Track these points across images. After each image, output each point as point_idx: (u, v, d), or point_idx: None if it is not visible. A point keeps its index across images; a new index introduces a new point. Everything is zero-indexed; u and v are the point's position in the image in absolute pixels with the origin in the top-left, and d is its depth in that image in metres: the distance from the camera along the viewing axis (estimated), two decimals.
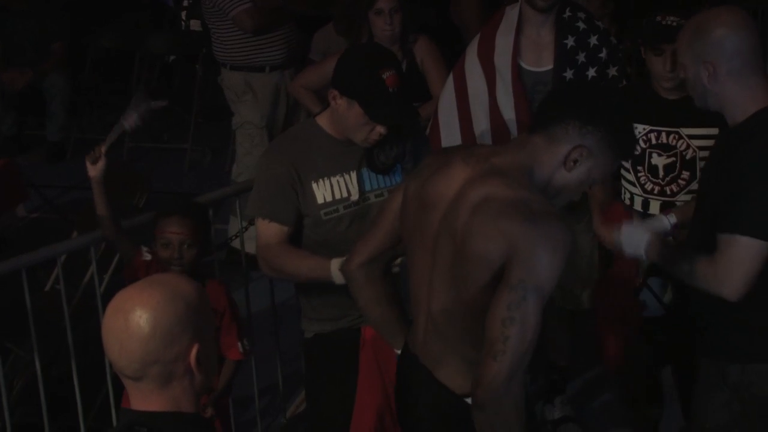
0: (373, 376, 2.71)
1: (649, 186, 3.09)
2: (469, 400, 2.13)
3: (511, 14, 3.37)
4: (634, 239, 2.59)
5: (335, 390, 2.79)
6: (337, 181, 2.68)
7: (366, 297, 2.42)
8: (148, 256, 2.92)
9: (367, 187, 2.71)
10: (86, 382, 3.20)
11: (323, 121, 2.71)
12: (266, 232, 2.70)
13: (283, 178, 2.66)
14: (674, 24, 2.92)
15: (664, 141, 3.04)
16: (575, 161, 2.09)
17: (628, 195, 3.15)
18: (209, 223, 3.10)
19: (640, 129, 3.06)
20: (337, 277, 2.56)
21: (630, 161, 3.10)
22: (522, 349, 1.99)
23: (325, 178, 2.67)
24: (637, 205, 3.12)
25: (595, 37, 3.31)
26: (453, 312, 2.15)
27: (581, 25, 3.32)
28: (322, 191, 2.67)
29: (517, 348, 1.99)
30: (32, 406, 3.26)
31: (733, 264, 2.30)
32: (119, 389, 3.07)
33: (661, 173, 3.06)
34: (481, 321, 2.05)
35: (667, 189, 3.06)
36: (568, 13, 3.33)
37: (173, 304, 1.59)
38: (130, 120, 2.90)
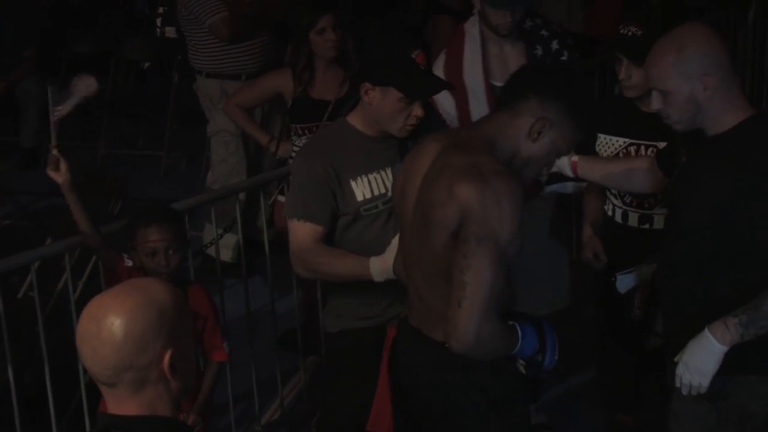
0: None
1: (628, 198, 3.12)
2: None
3: (473, 32, 3.42)
4: (705, 357, 2.39)
5: (354, 387, 2.81)
6: (374, 178, 2.71)
7: None
8: (129, 262, 2.89)
9: None
10: (59, 389, 3.19)
11: (354, 119, 2.74)
12: (300, 232, 2.71)
13: (321, 178, 2.68)
14: (630, 33, 2.97)
15: (643, 154, 3.07)
16: (539, 132, 2.25)
17: (610, 206, 3.18)
18: (185, 226, 3.10)
19: (621, 142, 3.10)
20: (377, 275, 2.60)
21: None
22: (482, 293, 2.14)
23: (363, 176, 2.70)
24: (618, 217, 3.15)
25: (556, 41, 3.43)
26: (428, 277, 2.30)
27: (544, 32, 3.43)
28: (361, 188, 2.70)
29: (477, 292, 2.14)
30: (5, 412, 3.24)
31: None
32: (92, 395, 3.06)
33: None
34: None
35: (645, 202, 3.09)
36: (529, 23, 3.42)
37: (146, 310, 1.59)
38: (62, 109, 2.82)
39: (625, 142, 3.09)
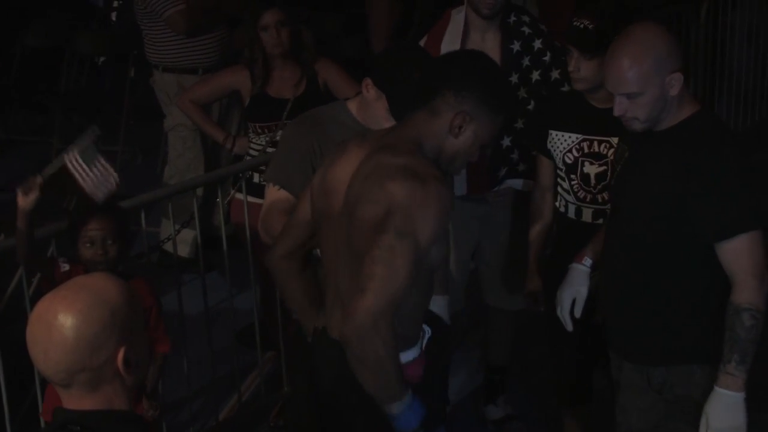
0: None
1: (581, 194, 3.14)
2: None
3: (457, 19, 3.42)
4: (733, 413, 2.41)
5: (304, 374, 2.79)
6: None
7: (288, 287, 2.51)
8: (66, 267, 2.89)
9: None
10: (13, 385, 3.16)
11: (353, 105, 2.78)
12: (272, 197, 2.77)
13: (304, 150, 2.72)
14: (582, 26, 2.99)
15: (596, 150, 3.10)
16: (460, 127, 2.23)
17: (563, 202, 3.19)
18: (128, 221, 3.09)
19: (573, 138, 3.12)
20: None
21: (564, 169, 3.16)
22: (389, 288, 2.09)
23: None
24: (571, 213, 3.16)
25: (540, 41, 3.40)
26: (353, 285, 2.22)
27: (526, 29, 3.40)
28: None
29: (384, 286, 2.09)
30: None
31: (757, 258, 2.39)
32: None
33: (593, 181, 3.12)
34: None
35: (599, 197, 3.11)
36: (513, 18, 3.40)
37: (97, 309, 1.57)
38: (72, 153, 2.86)
39: (577, 138, 3.11)
